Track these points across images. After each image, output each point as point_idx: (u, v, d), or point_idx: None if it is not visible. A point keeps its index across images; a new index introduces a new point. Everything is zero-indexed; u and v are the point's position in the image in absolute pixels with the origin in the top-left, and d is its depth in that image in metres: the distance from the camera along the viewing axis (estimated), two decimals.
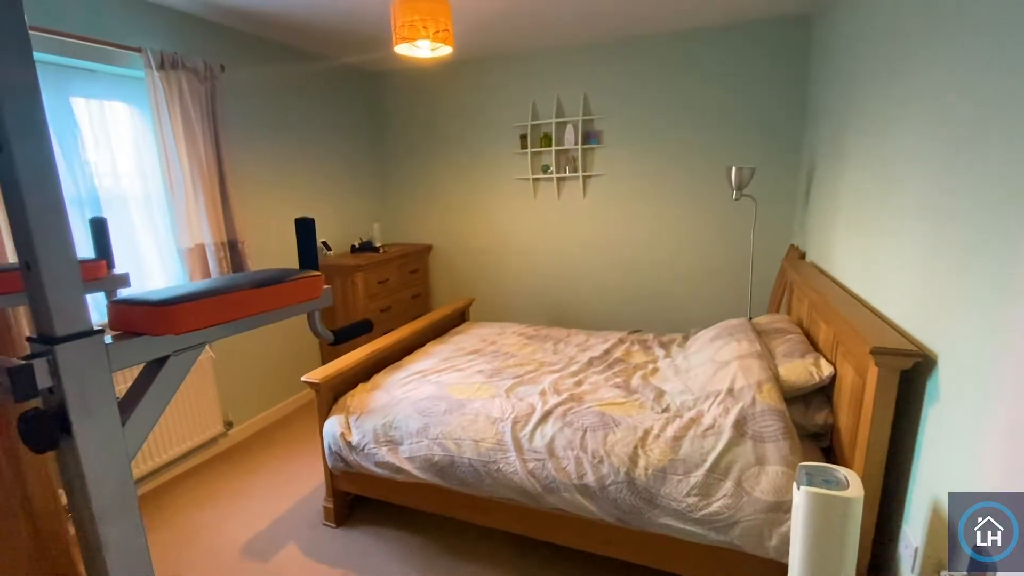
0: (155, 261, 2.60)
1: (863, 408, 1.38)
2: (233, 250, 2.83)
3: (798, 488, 1.22)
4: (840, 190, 2.16)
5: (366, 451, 1.99)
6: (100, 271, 1.11)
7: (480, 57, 3.61)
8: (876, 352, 1.27)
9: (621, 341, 2.70)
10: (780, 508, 1.47)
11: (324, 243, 3.49)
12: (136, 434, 0.65)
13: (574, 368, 2.33)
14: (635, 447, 1.69)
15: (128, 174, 2.48)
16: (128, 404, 0.65)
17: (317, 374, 2.13)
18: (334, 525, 2.20)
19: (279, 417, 3.28)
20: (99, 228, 1.16)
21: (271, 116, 3.13)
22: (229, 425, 2.92)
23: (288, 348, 3.31)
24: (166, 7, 2.50)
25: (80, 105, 2.28)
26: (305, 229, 0.89)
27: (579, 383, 2.17)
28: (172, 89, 2.46)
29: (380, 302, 3.56)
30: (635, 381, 2.16)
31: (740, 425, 1.66)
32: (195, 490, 2.50)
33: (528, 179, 3.70)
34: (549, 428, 1.82)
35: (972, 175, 1.13)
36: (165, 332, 0.65)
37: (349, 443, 2.03)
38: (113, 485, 0.61)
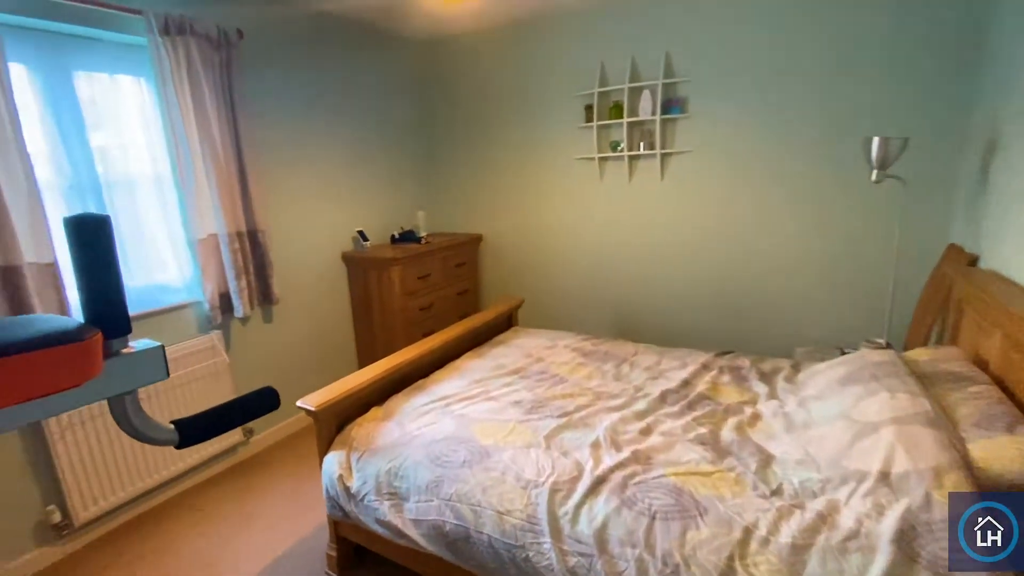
0: (167, 252, 2.34)
1: None
2: (253, 240, 2.52)
3: None
4: None
5: (366, 503, 1.58)
6: None
7: (538, 15, 3.04)
8: None
9: (705, 367, 2.08)
10: None
11: (360, 232, 3.13)
12: None
13: (640, 406, 1.77)
14: (730, 556, 1.12)
15: (137, 157, 2.22)
16: None
17: (317, 398, 1.74)
18: (335, 575, 1.83)
19: (308, 423, 2.99)
20: None
21: (298, 90, 2.77)
22: (250, 432, 2.66)
23: (319, 344, 3.00)
24: None
25: (83, 81, 2.04)
26: (85, 235, 0.42)
27: (646, 431, 1.61)
28: (179, 57, 2.15)
29: (420, 300, 3.16)
30: (727, 434, 1.57)
31: (906, 539, 1.04)
32: (209, 506, 2.25)
33: (594, 158, 3.11)
34: (601, 505, 1.29)
35: None
36: None
37: (348, 489, 1.62)
38: None
